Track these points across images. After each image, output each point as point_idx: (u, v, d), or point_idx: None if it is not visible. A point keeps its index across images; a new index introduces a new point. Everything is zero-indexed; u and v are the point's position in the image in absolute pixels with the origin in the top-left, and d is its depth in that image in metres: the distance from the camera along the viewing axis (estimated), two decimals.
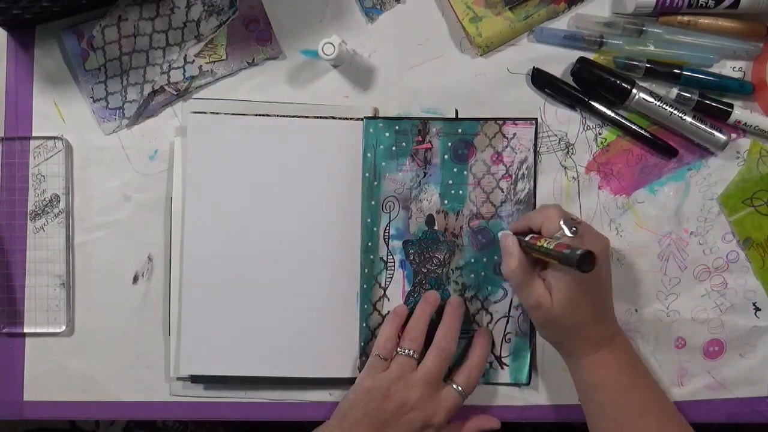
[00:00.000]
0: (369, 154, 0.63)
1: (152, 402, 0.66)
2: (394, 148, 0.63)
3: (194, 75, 0.64)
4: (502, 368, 0.64)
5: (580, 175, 0.64)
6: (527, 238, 0.58)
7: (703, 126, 0.61)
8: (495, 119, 0.63)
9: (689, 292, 0.64)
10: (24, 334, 0.66)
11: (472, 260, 0.64)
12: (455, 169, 0.64)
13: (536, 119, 0.63)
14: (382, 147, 0.63)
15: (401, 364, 0.59)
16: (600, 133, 0.64)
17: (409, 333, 0.60)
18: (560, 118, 0.64)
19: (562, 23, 0.63)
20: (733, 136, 0.63)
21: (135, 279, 0.66)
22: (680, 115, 0.61)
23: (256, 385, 0.65)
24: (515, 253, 0.57)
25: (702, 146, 0.63)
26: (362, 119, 0.63)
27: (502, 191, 0.64)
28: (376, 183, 0.63)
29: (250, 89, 0.65)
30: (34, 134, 0.66)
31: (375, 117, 0.64)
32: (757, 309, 0.64)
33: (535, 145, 0.63)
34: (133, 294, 0.66)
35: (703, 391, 0.64)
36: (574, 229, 0.55)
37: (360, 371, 0.62)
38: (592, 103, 0.62)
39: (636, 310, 0.64)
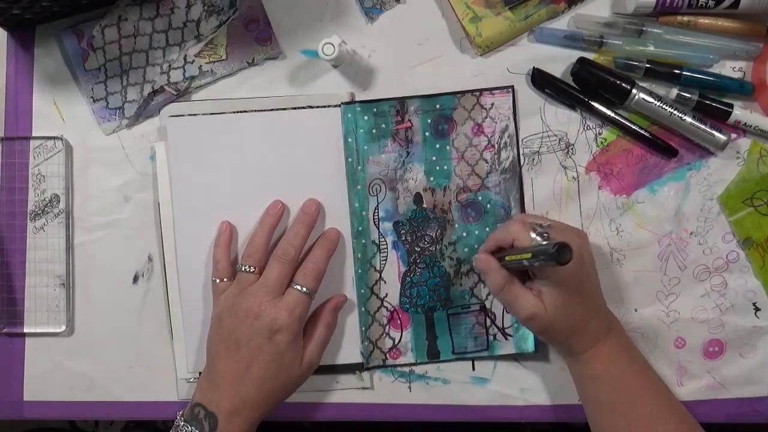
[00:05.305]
0: (350, 139, 0.63)
1: (156, 402, 0.66)
2: (374, 130, 0.63)
3: (194, 75, 0.64)
4: (506, 339, 0.64)
5: (580, 175, 0.64)
6: (503, 255, 0.57)
7: (703, 126, 0.61)
8: (471, 91, 0.63)
9: (689, 292, 0.64)
10: (24, 334, 0.66)
11: (464, 234, 0.63)
12: (437, 145, 0.63)
13: (512, 86, 0.63)
14: (362, 131, 0.63)
15: (239, 281, 0.59)
16: (600, 133, 0.64)
17: (247, 249, 0.60)
18: (560, 118, 0.64)
19: (562, 23, 0.63)
20: (733, 136, 0.63)
21: (135, 279, 0.66)
22: (680, 115, 0.61)
23: None
24: (497, 268, 0.56)
25: (702, 146, 0.63)
26: (339, 105, 0.63)
27: (487, 162, 0.63)
28: (360, 167, 0.63)
29: (250, 89, 0.65)
30: (34, 134, 0.66)
31: (352, 102, 0.64)
32: (757, 309, 0.64)
33: (515, 112, 0.63)
34: (133, 294, 0.66)
35: (703, 391, 0.64)
36: (545, 234, 0.55)
37: (363, 356, 0.63)
38: (592, 103, 0.62)
39: (636, 310, 0.64)
